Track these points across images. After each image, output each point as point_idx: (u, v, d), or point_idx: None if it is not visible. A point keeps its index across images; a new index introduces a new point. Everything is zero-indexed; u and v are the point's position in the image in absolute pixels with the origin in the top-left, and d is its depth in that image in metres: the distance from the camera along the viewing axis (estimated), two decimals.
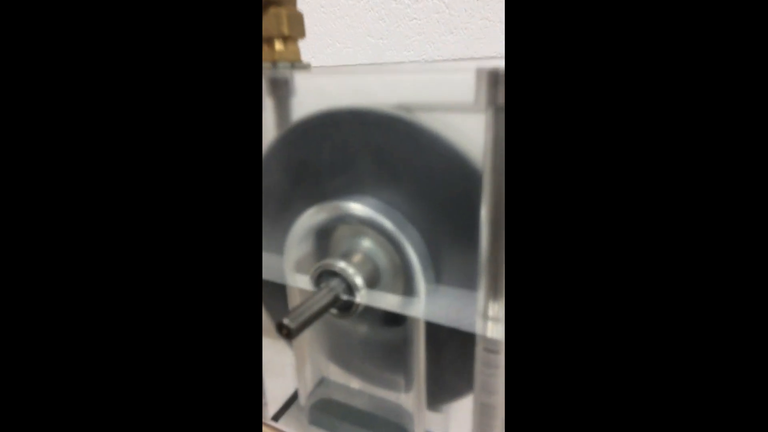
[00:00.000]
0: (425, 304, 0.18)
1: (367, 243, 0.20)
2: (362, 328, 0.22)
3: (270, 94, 0.25)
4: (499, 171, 0.15)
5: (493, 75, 0.15)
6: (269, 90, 0.25)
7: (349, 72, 0.21)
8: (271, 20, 0.21)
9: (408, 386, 0.21)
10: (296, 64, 0.22)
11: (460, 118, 0.18)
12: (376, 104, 0.18)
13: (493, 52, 0.42)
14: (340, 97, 0.20)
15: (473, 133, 0.16)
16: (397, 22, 0.46)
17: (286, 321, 0.16)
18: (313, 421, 0.24)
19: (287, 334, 0.16)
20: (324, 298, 0.18)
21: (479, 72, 0.15)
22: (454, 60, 0.43)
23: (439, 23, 0.44)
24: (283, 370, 0.27)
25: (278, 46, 0.21)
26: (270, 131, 0.24)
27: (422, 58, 0.46)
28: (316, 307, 0.18)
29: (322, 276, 0.19)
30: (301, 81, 0.24)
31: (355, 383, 0.25)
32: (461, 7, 0.42)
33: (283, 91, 0.24)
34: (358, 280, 0.19)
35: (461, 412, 0.22)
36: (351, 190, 0.20)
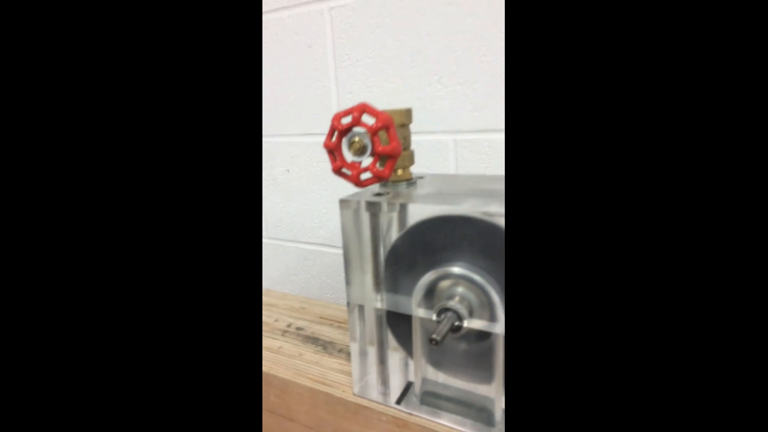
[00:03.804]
0: (503, 325, 0.36)
1: (462, 289, 0.38)
2: (461, 343, 0.39)
3: (367, 211, 0.42)
4: None
5: None
6: (367, 209, 0.41)
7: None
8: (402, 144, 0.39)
9: (490, 378, 0.38)
10: (409, 182, 0.40)
11: None
12: (471, 212, 0.36)
13: None
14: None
15: None
16: (432, 100, 0.64)
17: (435, 336, 0.33)
18: (424, 402, 0.41)
19: (436, 343, 0.33)
20: (447, 323, 0.35)
21: None
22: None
23: (466, 102, 0.62)
24: (398, 371, 0.44)
25: (399, 171, 0.39)
26: (367, 244, 0.40)
27: (452, 128, 0.64)
28: (444, 329, 0.35)
29: (442, 311, 0.37)
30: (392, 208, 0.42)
31: (446, 379, 0.42)
32: (485, 90, 0.60)
33: (378, 217, 0.41)
34: (464, 313, 0.36)
35: None
36: (453, 260, 0.37)
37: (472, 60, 0.60)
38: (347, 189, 0.60)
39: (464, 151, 0.63)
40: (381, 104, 0.67)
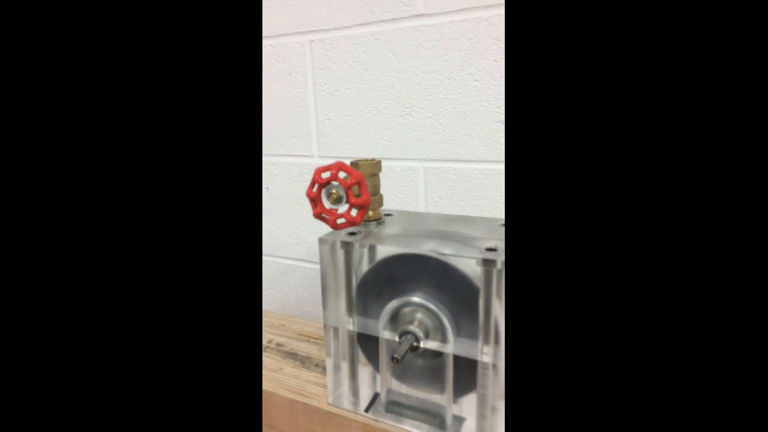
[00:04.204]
0: (453, 346, 0.43)
1: (420, 315, 0.45)
2: (419, 360, 0.47)
3: (342, 249, 0.49)
4: (487, 287, 0.41)
5: (488, 262, 0.40)
6: (342, 247, 0.48)
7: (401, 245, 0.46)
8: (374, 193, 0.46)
9: (442, 389, 0.46)
10: (378, 221, 0.47)
11: (469, 262, 0.43)
12: (428, 252, 0.44)
13: (473, 157, 0.68)
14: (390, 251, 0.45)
15: (475, 269, 0.41)
16: (403, 132, 0.71)
17: (396, 356, 0.41)
18: (388, 411, 0.48)
19: (397, 361, 0.41)
20: (406, 344, 0.43)
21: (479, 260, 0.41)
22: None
23: (434, 134, 0.69)
24: (367, 383, 0.51)
25: (370, 212, 0.46)
26: (341, 275, 0.48)
27: (422, 157, 0.71)
28: (404, 349, 0.42)
29: (403, 333, 0.44)
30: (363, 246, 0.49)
31: (407, 390, 0.49)
32: (451, 125, 0.68)
33: (351, 253, 0.48)
34: (421, 335, 0.44)
35: (468, 401, 0.47)
36: (414, 291, 0.45)
37: (438, 97, 0.67)
38: None
39: (432, 177, 0.71)
40: (357, 132, 0.74)
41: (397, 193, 0.74)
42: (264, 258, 0.89)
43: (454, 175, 0.69)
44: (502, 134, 0.63)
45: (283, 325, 0.68)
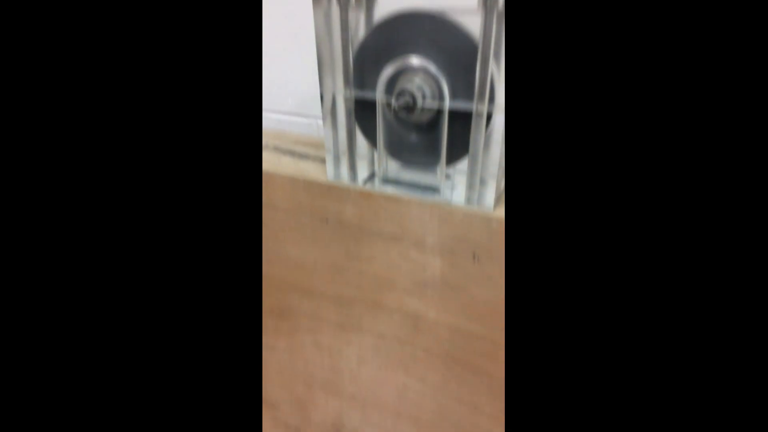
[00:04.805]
0: (448, 104, 0.45)
1: (418, 78, 0.46)
2: (413, 135, 0.49)
3: (338, 5, 0.48)
4: (486, 44, 0.41)
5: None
6: (337, 4, 0.47)
7: None
8: None
9: (437, 161, 0.49)
10: None
11: (471, 18, 0.43)
12: (429, 8, 0.43)
13: None
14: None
15: (476, 26, 0.42)
16: None
17: (394, 106, 0.42)
18: (384, 183, 0.51)
19: (395, 111, 0.42)
20: (404, 98, 0.44)
21: None
22: None
23: None
24: (364, 169, 0.54)
25: None
26: (337, 41, 0.46)
27: None
28: (402, 102, 0.44)
29: (400, 93, 0.45)
30: None
31: (403, 167, 0.52)
32: None
33: (347, 12, 0.47)
34: (419, 95, 0.45)
35: (459, 178, 0.49)
36: (412, 53, 0.45)
37: None
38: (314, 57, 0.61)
39: None
40: None
41: None
42: None
43: None
44: None
45: (279, 136, 0.70)
